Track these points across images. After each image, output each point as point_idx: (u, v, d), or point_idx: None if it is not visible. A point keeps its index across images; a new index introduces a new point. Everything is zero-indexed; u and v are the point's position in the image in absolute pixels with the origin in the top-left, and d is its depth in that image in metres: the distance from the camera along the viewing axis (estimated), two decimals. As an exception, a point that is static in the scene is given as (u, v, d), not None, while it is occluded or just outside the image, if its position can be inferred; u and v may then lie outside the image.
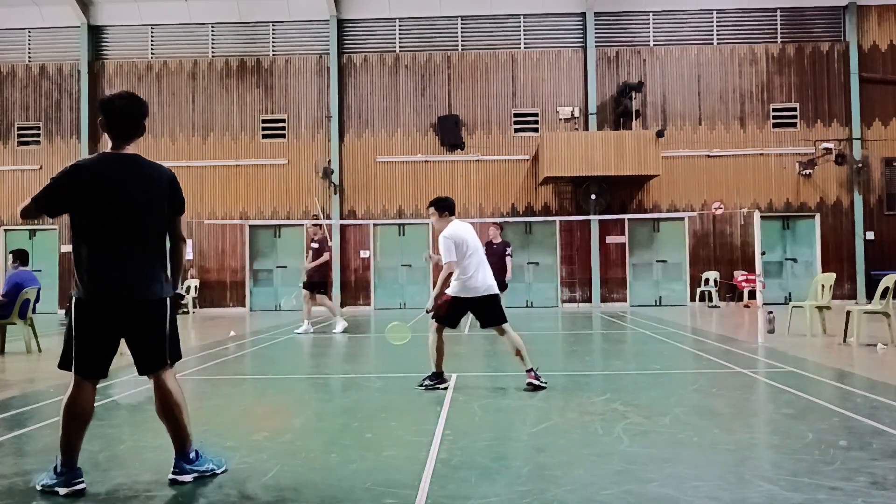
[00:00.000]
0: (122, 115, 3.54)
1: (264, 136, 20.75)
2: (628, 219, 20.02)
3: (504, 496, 3.26)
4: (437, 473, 3.65)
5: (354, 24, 20.85)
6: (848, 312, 9.49)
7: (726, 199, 19.85)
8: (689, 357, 8.74)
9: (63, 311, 19.01)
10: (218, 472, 3.67)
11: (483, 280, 6.35)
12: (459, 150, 20.33)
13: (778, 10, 20.37)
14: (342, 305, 19.96)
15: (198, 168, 20.52)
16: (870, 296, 17.35)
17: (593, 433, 4.50)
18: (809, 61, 20.21)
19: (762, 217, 19.34)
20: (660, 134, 18.80)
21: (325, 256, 12.21)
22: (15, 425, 5.09)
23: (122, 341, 3.57)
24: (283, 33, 20.97)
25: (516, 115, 20.48)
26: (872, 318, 11.33)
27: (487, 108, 20.48)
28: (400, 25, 20.80)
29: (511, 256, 13.24)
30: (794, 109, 20.17)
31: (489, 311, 6.38)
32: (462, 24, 20.72)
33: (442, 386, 6.28)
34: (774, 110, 20.21)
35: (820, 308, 10.71)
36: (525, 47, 20.60)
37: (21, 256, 9.98)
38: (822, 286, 10.90)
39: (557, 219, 19.81)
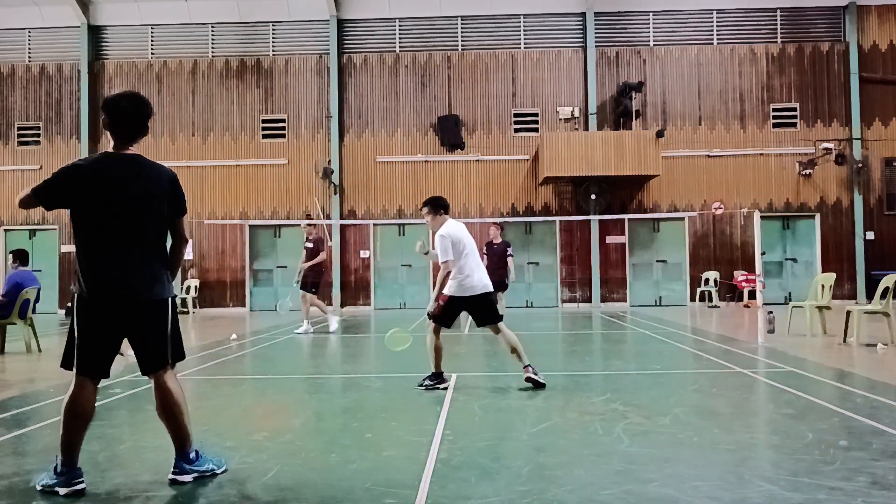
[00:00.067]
0: (125, 116, 3.53)
1: (264, 136, 20.74)
2: (628, 219, 20.02)
3: (504, 496, 3.26)
4: (437, 473, 3.65)
5: (354, 24, 20.85)
6: (848, 312, 9.50)
7: (726, 199, 19.84)
8: (689, 357, 8.74)
9: (63, 311, 19.01)
10: (218, 472, 3.67)
11: (479, 279, 6.41)
12: (459, 150, 20.33)
13: (778, 10, 20.37)
14: (342, 305, 19.97)
15: (198, 168, 20.52)
16: (870, 296, 17.36)
17: (593, 433, 4.50)
18: (809, 61, 20.21)
19: (762, 217, 19.33)
20: (660, 134, 18.79)
21: (322, 256, 12.17)
22: (15, 425, 5.09)
23: (125, 341, 3.58)
24: (283, 33, 20.97)
25: (516, 115, 20.47)
26: (872, 318, 11.33)
27: (487, 108, 20.48)
28: (400, 25, 20.80)
29: (512, 256, 13.25)
30: (794, 109, 20.17)
31: (485, 310, 6.42)
32: (462, 24, 20.72)
33: (442, 386, 6.29)
34: (774, 110, 20.20)
35: (820, 308, 10.71)
36: (525, 47, 20.60)
37: (21, 256, 9.98)
38: (822, 286, 10.91)
39: (557, 219, 19.80)
